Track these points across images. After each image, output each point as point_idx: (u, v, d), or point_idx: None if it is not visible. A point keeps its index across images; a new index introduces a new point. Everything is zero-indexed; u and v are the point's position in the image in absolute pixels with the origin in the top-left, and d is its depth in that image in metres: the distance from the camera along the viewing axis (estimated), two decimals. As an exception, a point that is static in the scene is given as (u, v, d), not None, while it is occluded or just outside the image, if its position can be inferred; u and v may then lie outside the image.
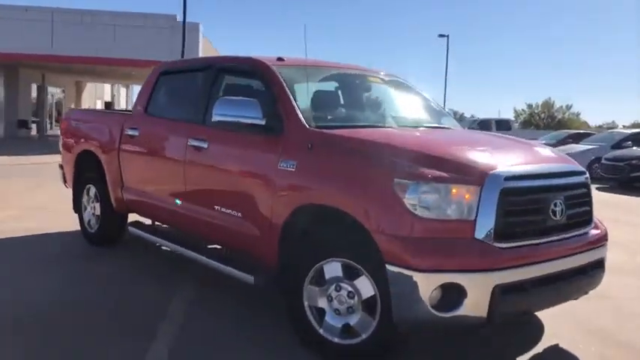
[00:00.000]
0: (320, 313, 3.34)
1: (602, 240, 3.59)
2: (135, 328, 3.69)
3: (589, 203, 3.55)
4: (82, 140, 5.93)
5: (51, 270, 4.96)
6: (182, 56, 19.69)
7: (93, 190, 5.80)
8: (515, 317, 3.26)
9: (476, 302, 2.88)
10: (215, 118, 3.78)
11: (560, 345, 3.72)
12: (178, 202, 4.55)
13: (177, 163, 4.49)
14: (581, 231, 3.45)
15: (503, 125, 26.65)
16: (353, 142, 3.40)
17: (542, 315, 4.18)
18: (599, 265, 3.55)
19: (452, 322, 2.91)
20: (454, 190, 2.94)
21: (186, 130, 4.43)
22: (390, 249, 2.94)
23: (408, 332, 3.16)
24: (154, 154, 4.86)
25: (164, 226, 5.33)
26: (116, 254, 5.58)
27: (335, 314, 3.29)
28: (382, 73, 4.82)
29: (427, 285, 2.84)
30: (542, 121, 71.89)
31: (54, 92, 32.11)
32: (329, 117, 4.01)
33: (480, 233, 2.93)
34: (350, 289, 3.21)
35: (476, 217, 2.94)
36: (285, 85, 3.86)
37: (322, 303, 3.33)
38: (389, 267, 2.93)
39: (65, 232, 6.40)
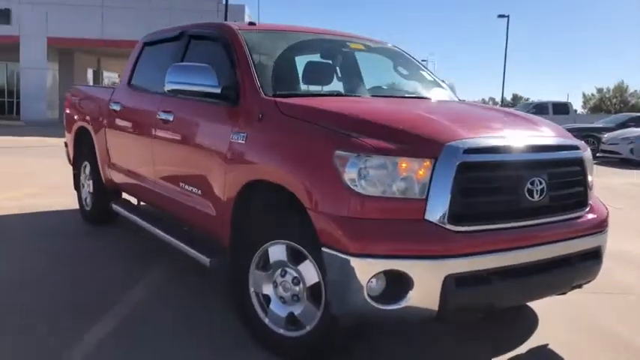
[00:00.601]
0: (266, 300, 3.01)
1: (598, 226, 3.07)
2: (82, 310, 3.47)
3: (583, 183, 3.04)
4: (79, 117, 5.81)
5: (31, 247, 4.85)
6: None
7: (88, 167, 5.66)
8: (477, 313, 2.81)
9: (424, 294, 2.48)
10: (168, 86, 3.48)
11: (550, 346, 3.25)
12: (151, 179, 4.31)
13: (150, 137, 4.24)
14: (571, 215, 2.95)
15: (560, 109, 25.29)
16: (301, 110, 3.01)
17: (540, 310, 3.72)
18: (593, 256, 3.05)
19: (396, 315, 2.52)
20: (402, 164, 2.53)
21: (158, 103, 4.17)
22: (326, 230, 2.57)
23: (351, 326, 2.77)
24: (131, 128, 4.63)
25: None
26: (107, 233, 5.42)
27: (280, 302, 2.95)
28: (370, 41, 4.39)
29: (365, 272, 2.45)
30: (613, 106, 68.32)
31: (110, 77, 32.90)
32: (291, 85, 3.64)
33: (432, 214, 2.51)
34: (295, 274, 2.86)
35: (427, 195, 2.53)
36: (246, 50, 3.51)
37: (267, 289, 3.00)
38: (325, 250, 2.56)
39: (71, 210, 6.29)
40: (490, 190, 2.65)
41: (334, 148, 2.59)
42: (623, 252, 5.35)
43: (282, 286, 2.93)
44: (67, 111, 6.18)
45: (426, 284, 2.47)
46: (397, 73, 4.36)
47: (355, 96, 3.65)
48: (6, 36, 24.75)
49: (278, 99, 3.18)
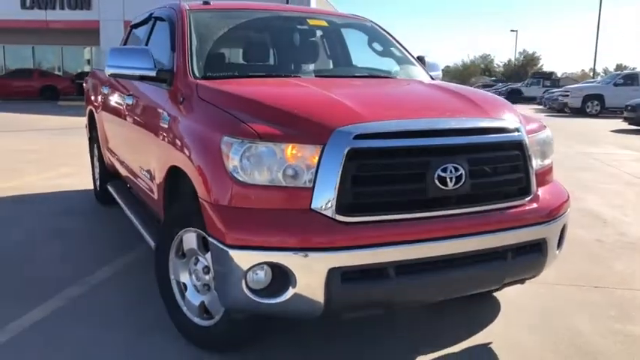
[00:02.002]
0: (185, 288, 2.97)
1: (544, 216, 2.77)
2: (27, 292, 3.58)
3: (521, 169, 2.73)
4: (89, 100, 5.98)
5: (27, 225, 5.08)
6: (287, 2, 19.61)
7: (96, 150, 5.83)
8: (373, 310, 2.60)
9: (306, 288, 2.33)
10: (107, 70, 3.47)
11: (493, 345, 3.00)
12: (126, 162, 4.37)
13: (122, 121, 4.29)
14: (504, 204, 2.67)
15: (652, 79, 23.32)
16: (214, 94, 2.89)
17: (506, 302, 3.46)
18: (534, 249, 2.75)
19: (278, 310, 2.39)
20: (287, 151, 2.37)
21: (127, 86, 4.20)
22: (210, 219, 2.47)
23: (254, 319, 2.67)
24: (114, 112, 4.69)
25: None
26: (109, 214, 5.56)
27: (195, 291, 2.91)
28: (338, 16, 4.16)
29: (243, 264, 2.34)
30: None
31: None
32: (224, 67, 3.50)
33: (319, 204, 2.35)
34: (205, 263, 2.80)
35: (314, 184, 2.36)
36: (186, 30, 3.43)
37: (184, 278, 2.95)
38: (210, 240, 2.47)
39: (92, 190, 6.53)
40: (387, 178, 2.43)
41: (222, 134, 2.47)
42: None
43: (195, 274, 2.88)
44: (85, 94, 6.39)
45: (308, 278, 2.32)
46: (371, 49, 4.12)
47: (292, 77, 3.45)
48: (88, 21, 26.07)
49: (201, 81, 3.08)
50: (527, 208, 2.74)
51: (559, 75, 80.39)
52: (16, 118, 17.16)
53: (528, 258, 2.75)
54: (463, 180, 2.50)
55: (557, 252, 2.95)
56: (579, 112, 23.81)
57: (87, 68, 31.73)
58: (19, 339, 2.97)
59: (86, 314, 3.28)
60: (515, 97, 39.49)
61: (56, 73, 30.16)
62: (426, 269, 2.48)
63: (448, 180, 2.47)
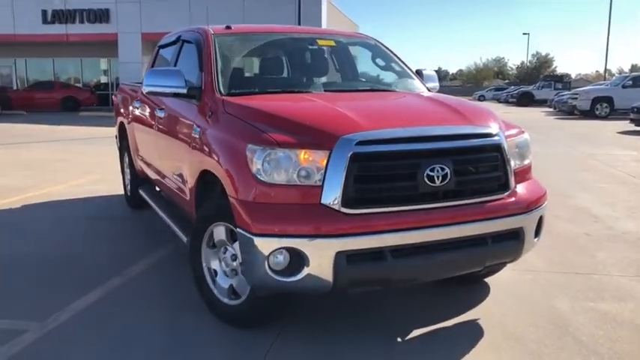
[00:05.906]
0: (215, 274, 3.48)
1: (521, 208, 3.25)
2: (78, 282, 4.11)
3: (500, 168, 3.21)
4: (119, 112, 6.54)
5: (67, 228, 5.64)
6: (299, 24, 20.19)
7: (127, 158, 6.39)
8: (374, 286, 3.09)
9: (318, 268, 2.83)
10: (145, 89, 4.00)
11: (480, 322, 3.47)
12: (159, 169, 4.90)
13: (154, 131, 4.82)
14: (485, 198, 3.15)
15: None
16: (237, 108, 3.42)
17: (496, 285, 3.92)
18: (511, 236, 3.22)
19: (295, 286, 2.89)
20: (301, 156, 2.87)
21: (158, 101, 4.73)
22: (238, 213, 2.98)
23: (265, 295, 3.17)
24: (146, 124, 5.23)
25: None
26: (140, 216, 6.11)
27: (224, 275, 3.41)
28: (344, 36, 4.67)
29: (265, 249, 2.84)
30: None
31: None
32: (245, 84, 4.03)
33: (327, 199, 2.85)
34: (233, 251, 3.30)
35: (324, 182, 2.86)
36: (212, 52, 3.96)
37: (215, 265, 3.46)
38: (238, 230, 2.98)
39: (120, 195, 7.08)
40: (383, 176, 2.92)
41: (247, 143, 2.99)
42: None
43: (224, 261, 3.39)
44: (114, 107, 6.96)
45: (319, 260, 2.81)
46: (375, 64, 4.63)
47: (304, 92, 3.96)
48: (106, 34, 26.92)
49: (226, 98, 3.61)
50: (505, 201, 3.22)
51: (573, 76, 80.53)
52: (40, 130, 17.86)
53: (507, 244, 3.22)
54: (448, 178, 2.98)
55: (535, 240, 3.41)
56: (589, 114, 24.12)
57: (104, 79, 32.68)
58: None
59: (130, 298, 3.81)
60: (526, 99, 39.84)
61: (76, 85, 31.00)
62: (418, 253, 2.96)
63: (435, 178, 2.95)
